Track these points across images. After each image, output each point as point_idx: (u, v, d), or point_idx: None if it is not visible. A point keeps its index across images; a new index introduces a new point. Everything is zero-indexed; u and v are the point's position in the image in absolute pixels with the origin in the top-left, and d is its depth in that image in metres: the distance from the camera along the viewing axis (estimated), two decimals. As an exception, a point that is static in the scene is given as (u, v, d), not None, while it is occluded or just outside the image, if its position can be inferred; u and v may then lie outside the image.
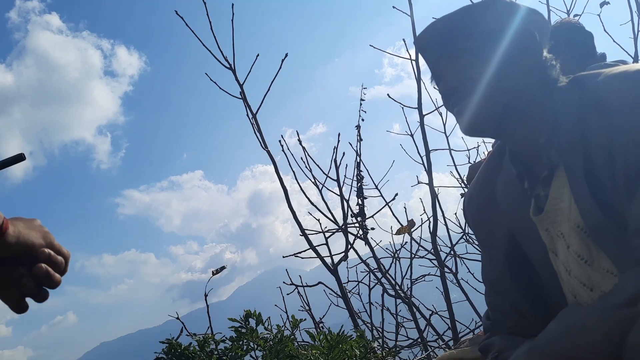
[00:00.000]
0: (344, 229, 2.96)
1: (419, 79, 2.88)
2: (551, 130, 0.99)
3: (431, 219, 2.90)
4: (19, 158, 0.75)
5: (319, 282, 3.07)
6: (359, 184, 3.02)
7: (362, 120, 3.10)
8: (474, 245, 3.37)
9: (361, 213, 2.98)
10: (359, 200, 3.00)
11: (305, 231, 2.89)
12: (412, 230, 2.92)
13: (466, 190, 3.17)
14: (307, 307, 2.97)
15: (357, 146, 3.07)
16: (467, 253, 3.25)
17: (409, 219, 2.96)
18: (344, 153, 3.00)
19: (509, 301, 1.14)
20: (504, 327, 1.15)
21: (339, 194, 3.01)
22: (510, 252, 1.11)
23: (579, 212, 0.93)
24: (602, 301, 0.86)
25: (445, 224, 3.17)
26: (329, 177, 3.02)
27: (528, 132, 1.02)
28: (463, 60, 1.03)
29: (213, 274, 2.21)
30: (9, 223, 0.66)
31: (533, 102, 1.02)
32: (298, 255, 2.89)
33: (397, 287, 2.95)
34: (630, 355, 0.78)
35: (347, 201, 2.98)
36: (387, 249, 3.10)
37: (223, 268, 2.28)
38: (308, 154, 3.03)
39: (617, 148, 0.88)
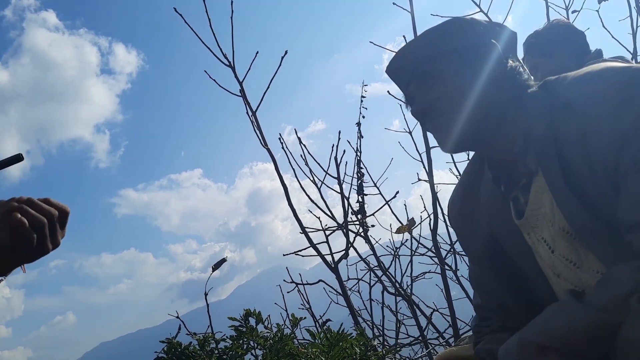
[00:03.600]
0: (344, 227, 2.95)
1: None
2: (525, 138, 1.00)
3: (431, 216, 2.89)
4: (17, 158, 0.75)
5: (320, 280, 3.07)
6: (359, 182, 3.01)
7: (363, 117, 3.09)
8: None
9: (361, 210, 2.97)
10: (359, 197, 2.99)
11: (306, 229, 2.88)
12: (412, 228, 2.92)
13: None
14: (307, 306, 2.96)
15: (357, 143, 3.06)
16: (467, 250, 3.24)
17: (409, 217, 2.95)
18: (344, 151, 2.99)
19: (496, 301, 1.15)
20: (492, 325, 1.15)
21: (339, 191, 3.00)
22: (492, 251, 1.11)
23: (563, 215, 0.94)
24: (595, 294, 0.85)
25: (445, 221, 3.17)
26: (329, 174, 3.01)
27: (504, 141, 1.03)
28: (431, 82, 1.05)
29: (213, 269, 2.18)
30: None
31: (505, 112, 1.03)
32: (298, 253, 2.88)
33: (397, 285, 2.95)
34: (623, 349, 0.77)
35: (347, 199, 2.98)
36: (387, 246, 3.10)
37: (224, 261, 2.24)
38: (308, 151, 3.02)
39: (591, 147, 0.88)
